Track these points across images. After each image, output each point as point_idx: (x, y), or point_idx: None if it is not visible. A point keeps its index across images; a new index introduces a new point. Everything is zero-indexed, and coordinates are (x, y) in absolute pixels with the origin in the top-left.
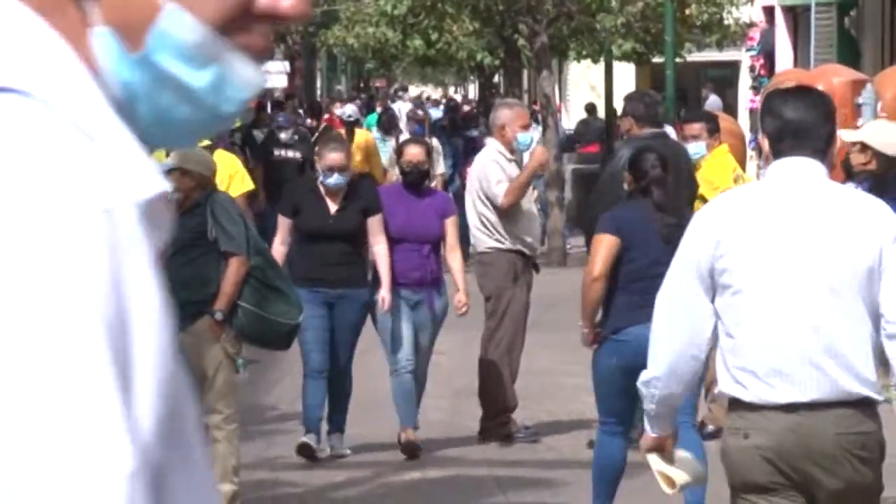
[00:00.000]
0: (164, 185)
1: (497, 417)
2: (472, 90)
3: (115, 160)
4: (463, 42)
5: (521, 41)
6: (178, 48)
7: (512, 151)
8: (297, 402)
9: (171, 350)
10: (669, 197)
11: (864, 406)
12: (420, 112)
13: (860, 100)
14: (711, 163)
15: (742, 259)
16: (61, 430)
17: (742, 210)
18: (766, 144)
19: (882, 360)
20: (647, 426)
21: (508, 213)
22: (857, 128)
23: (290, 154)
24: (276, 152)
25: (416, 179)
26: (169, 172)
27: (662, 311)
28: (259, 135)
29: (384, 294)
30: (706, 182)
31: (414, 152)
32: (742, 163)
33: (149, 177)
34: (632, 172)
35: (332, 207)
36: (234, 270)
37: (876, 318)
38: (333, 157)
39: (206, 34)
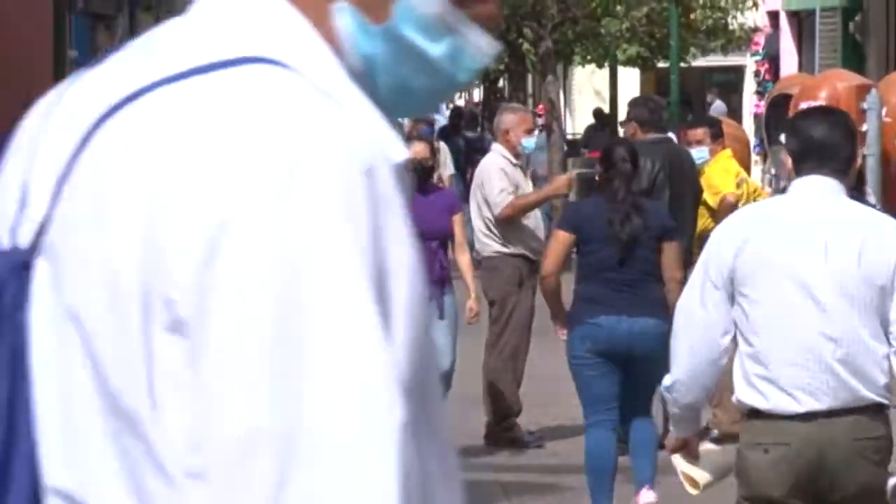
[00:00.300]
0: (406, 153)
1: (502, 422)
2: (477, 95)
3: (366, 126)
4: None
5: (526, 46)
6: (420, 20)
7: (517, 156)
8: None
9: (423, 303)
10: (630, 192)
11: (877, 411)
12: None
13: (865, 105)
14: (715, 168)
15: (762, 270)
16: (343, 377)
17: (763, 223)
18: (789, 162)
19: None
20: (671, 428)
21: (512, 218)
22: (862, 134)
23: None
24: None
25: (420, 176)
26: None
27: (684, 317)
28: None
29: None
30: (709, 187)
31: (417, 149)
32: (746, 167)
33: (395, 143)
34: (602, 164)
35: None
36: None
37: (886, 331)
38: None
39: (445, 5)
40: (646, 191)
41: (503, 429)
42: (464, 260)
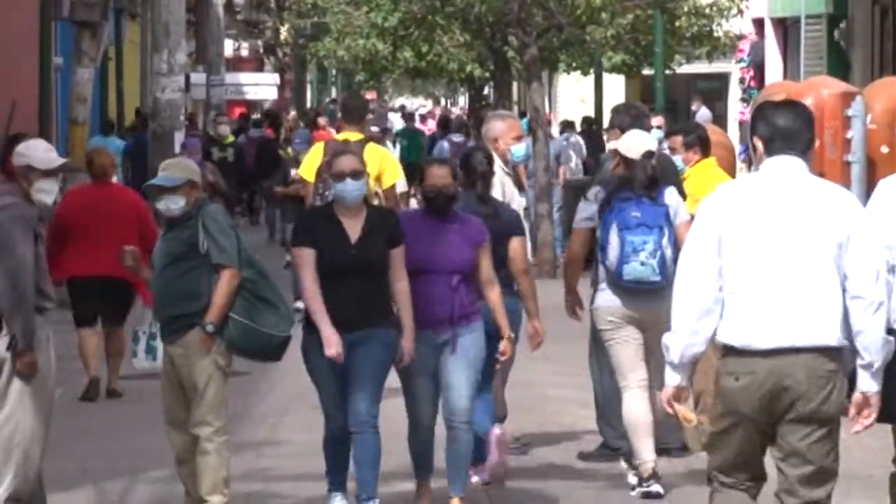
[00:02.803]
0: None
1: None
2: (462, 102)
3: None
4: (453, 54)
5: (511, 53)
6: None
7: (506, 163)
8: (287, 414)
9: None
10: (487, 191)
11: (832, 351)
12: (374, 128)
13: (850, 112)
14: (695, 176)
15: (743, 233)
16: None
17: (741, 196)
18: (760, 145)
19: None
20: (668, 377)
21: None
22: (847, 140)
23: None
24: (294, 173)
25: (441, 205)
26: (177, 187)
27: (682, 278)
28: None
29: (405, 343)
30: (689, 195)
31: (439, 174)
32: (732, 174)
33: None
34: (462, 169)
35: (353, 236)
36: (225, 283)
37: (842, 283)
38: (345, 159)
39: None
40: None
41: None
42: (493, 296)
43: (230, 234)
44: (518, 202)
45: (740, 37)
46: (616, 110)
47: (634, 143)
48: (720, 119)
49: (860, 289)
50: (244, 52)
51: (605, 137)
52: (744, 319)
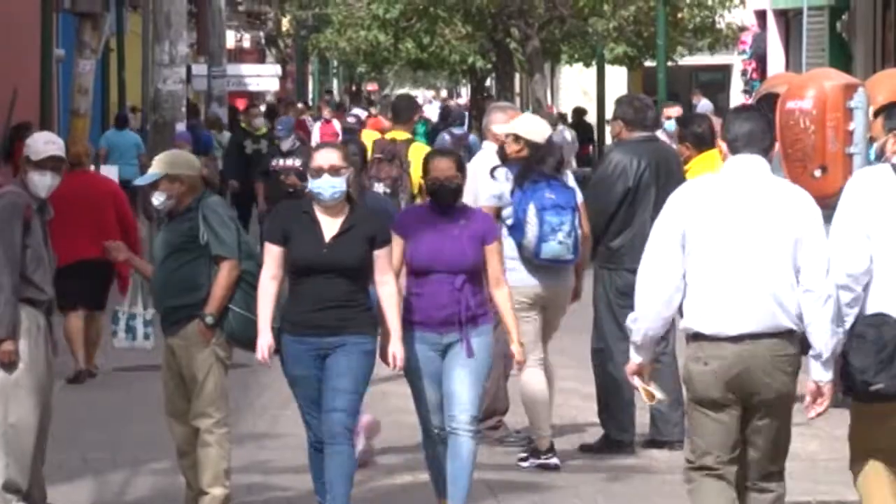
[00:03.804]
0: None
1: (488, 420)
2: (464, 93)
3: None
4: (455, 45)
5: (513, 45)
6: None
7: None
8: (288, 406)
9: None
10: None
11: (790, 335)
12: (351, 119)
13: (852, 103)
14: (696, 169)
15: (707, 227)
16: None
17: (706, 192)
18: (724, 147)
19: None
20: (632, 355)
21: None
22: (849, 132)
23: (290, 163)
24: (275, 162)
25: (446, 198)
26: (157, 182)
27: (646, 268)
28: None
29: (393, 348)
30: None
31: (442, 166)
32: None
33: None
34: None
35: (328, 234)
36: (225, 274)
37: (797, 275)
38: (325, 154)
39: None
40: (632, 189)
41: (490, 427)
42: (500, 296)
43: (230, 225)
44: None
45: (742, 28)
46: (619, 102)
47: (536, 127)
48: (722, 111)
49: (811, 283)
50: (246, 44)
51: (606, 128)
52: (711, 308)
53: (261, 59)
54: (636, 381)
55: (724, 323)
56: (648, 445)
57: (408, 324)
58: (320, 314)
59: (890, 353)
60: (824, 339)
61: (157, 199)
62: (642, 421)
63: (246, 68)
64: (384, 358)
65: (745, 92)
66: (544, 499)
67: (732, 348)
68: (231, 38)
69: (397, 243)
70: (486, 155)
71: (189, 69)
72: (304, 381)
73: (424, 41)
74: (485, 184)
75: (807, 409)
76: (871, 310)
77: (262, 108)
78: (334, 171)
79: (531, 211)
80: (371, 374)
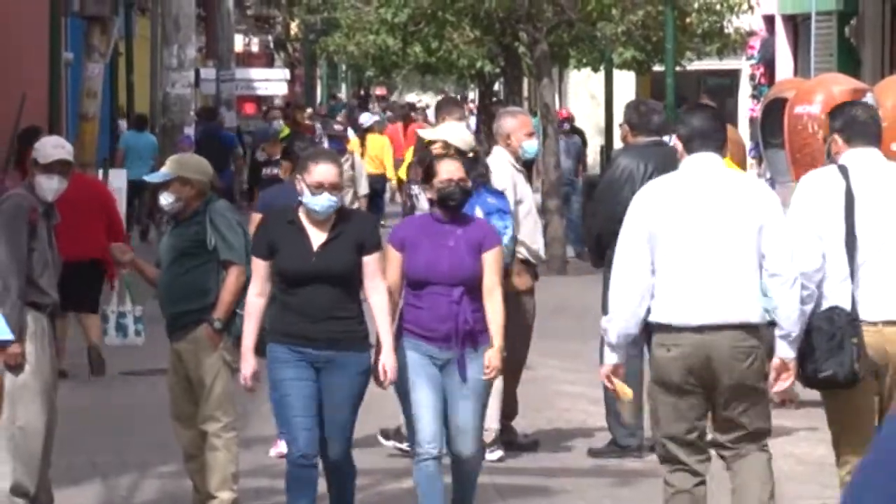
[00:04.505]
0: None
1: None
2: (473, 98)
3: None
4: (463, 50)
5: (522, 49)
6: None
7: (518, 160)
8: None
9: None
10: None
11: (751, 328)
12: (338, 126)
13: None
14: None
15: (669, 225)
16: None
17: (668, 191)
18: (679, 146)
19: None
20: (605, 357)
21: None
22: None
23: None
24: (266, 170)
25: (456, 201)
26: (168, 183)
27: (618, 269)
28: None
29: (384, 360)
30: None
31: (451, 168)
32: (743, 169)
33: None
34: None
35: (316, 242)
36: (233, 279)
37: (760, 264)
38: (326, 170)
39: None
40: None
41: (499, 431)
42: (492, 303)
43: (238, 230)
44: (531, 200)
45: (751, 33)
46: (627, 106)
47: (464, 135)
48: (731, 116)
49: (777, 267)
50: (254, 48)
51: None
52: (675, 300)
53: (269, 63)
54: (611, 381)
55: (687, 314)
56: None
57: (406, 333)
58: (311, 326)
59: (839, 342)
60: (792, 319)
61: (166, 199)
62: (650, 426)
63: (254, 72)
64: (375, 373)
65: (754, 97)
66: (552, 502)
67: (695, 338)
68: (239, 42)
69: (395, 258)
70: (498, 160)
71: (197, 73)
72: (293, 384)
73: (433, 45)
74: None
75: (772, 386)
76: (824, 306)
77: (279, 111)
78: (333, 188)
79: (478, 214)
80: (364, 392)
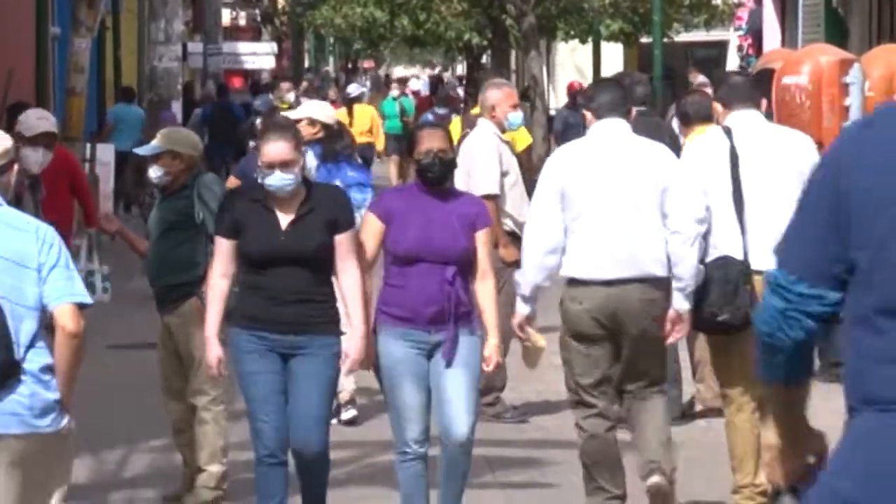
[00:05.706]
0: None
1: (485, 396)
2: (460, 70)
3: None
4: (451, 22)
5: (509, 21)
6: None
7: (503, 131)
8: None
9: None
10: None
11: (657, 281)
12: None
13: (848, 79)
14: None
15: (580, 185)
16: None
17: (578, 153)
18: (589, 115)
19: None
20: (519, 306)
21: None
22: (845, 108)
23: None
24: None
25: (438, 173)
26: (158, 156)
27: (531, 226)
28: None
29: (353, 346)
30: None
31: (432, 137)
32: None
33: None
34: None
35: (284, 221)
36: None
37: (663, 222)
38: (274, 148)
39: None
40: None
41: (487, 403)
42: (485, 290)
43: None
44: (516, 171)
45: (738, 4)
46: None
47: (328, 111)
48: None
49: (679, 225)
50: (241, 21)
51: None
52: (586, 256)
53: (256, 37)
54: (523, 331)
55: (597, 269)
56: None
57: (387, 319)
58: (279, 309)
59: (733, 289)
60: (689, 273)
61: (155, 172)
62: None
63: (242, 46)
64: (351, 361)
65: (742, 68)
66: (542, 473)
67: (604, 290)
68: (226, 16)
69: (376, 228)
70: (483, 132)
71: (185, 47)
72: (259, 378)
73: (420, 18)
74: (482, 165)
75: (666, 337)
76: (716, 255)
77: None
78: (285, 166)
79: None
80: (337, 380)
